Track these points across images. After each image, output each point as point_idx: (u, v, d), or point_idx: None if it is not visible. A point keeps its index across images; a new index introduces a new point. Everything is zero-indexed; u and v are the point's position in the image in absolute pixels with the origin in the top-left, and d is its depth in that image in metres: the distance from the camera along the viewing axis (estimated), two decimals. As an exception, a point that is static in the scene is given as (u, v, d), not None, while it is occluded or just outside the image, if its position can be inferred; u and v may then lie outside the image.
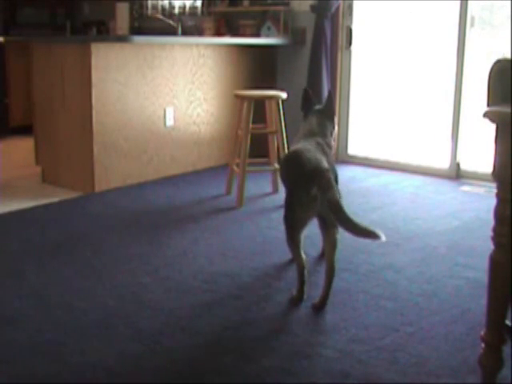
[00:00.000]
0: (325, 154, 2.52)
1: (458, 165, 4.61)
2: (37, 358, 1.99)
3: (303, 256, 2.43)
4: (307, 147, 2.48)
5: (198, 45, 4.62)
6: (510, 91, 1.74)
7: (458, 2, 4.44)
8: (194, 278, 2.66)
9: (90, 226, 3.36)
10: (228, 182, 4.10)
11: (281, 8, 5.21)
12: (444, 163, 4.68)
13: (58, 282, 2.60)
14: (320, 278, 2.54)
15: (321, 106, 2.83)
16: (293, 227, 2.37)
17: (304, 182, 2.30)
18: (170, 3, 6.10)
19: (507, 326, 1.78)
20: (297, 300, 2.43)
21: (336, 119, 2.85)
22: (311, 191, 2.26)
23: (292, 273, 2.71)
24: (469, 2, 4.40)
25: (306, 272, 2.42)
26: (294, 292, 2.46)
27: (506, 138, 1.62)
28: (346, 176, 4.60)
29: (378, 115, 5.11)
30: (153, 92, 4.36)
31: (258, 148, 4.69)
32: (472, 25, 4.44)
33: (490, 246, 1.74)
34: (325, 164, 2.36)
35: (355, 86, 5.11)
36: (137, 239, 3.16)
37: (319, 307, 2.37)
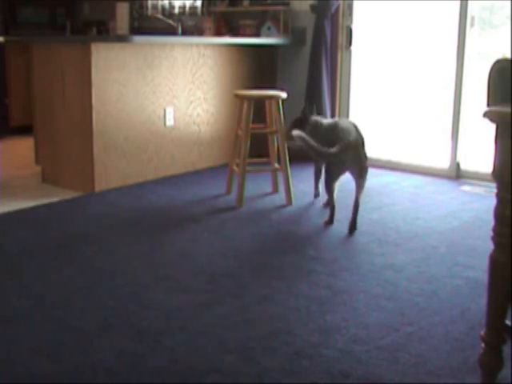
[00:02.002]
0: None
1: (458, 165, 4.61)
2: (37, 358, 1.99)
3: (334, 196, 3.40)
4: (348, 126, 3.34)
5: (198, 45, 4.62)
6: (510, 91, 1.75)
7: (458, 2, 4.44)
8: (194, 278, 2.66)
9: (90, 226, 3.36)
10: (228, 182, 4.10)
11: (281, 8, 5.21)
12: (444, 163, 4.68)
13: (58, 282, 2.60)
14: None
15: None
16: (329, 179, 3.33)
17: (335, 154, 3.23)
18: (169, 3, 6.10)
19: (507, 326, 1.78)
20: (329, 223, 3.41)
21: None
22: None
23: (292, 273, 2.72)
24: (469, 2, 4.40)
25: (334, 205, 3.43)
26: (327, 218, 3.45)
27: (506, 138, 1.62)
28: (347, 176, 4.58)
29: (378, 115, 5.10)
30: (153, 92, 4.36)
31: (258, 148, 4.69)
32: (472, 25, 4.44)
33: (489, 246, 1.74)
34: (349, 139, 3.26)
35: (355, 86, 5.11)
36: (137, 239, 3.16)
37: (351, 229, 3.27)
